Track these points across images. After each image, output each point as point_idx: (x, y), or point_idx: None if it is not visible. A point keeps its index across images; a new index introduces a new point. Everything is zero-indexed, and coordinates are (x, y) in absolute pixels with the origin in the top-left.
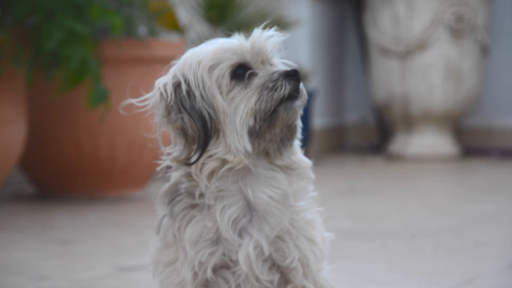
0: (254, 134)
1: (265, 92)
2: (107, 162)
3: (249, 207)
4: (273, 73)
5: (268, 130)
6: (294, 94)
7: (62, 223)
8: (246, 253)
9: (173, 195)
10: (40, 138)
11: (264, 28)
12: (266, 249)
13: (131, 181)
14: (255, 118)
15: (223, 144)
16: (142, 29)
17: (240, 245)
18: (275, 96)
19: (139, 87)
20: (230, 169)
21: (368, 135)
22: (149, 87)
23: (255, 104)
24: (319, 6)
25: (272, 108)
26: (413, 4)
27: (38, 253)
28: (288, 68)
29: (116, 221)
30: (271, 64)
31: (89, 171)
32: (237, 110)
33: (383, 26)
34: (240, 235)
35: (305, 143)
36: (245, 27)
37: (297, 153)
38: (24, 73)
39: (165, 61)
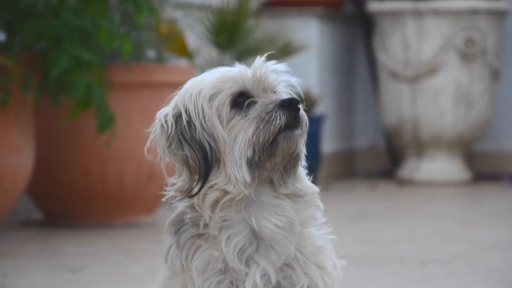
0: (254, 164)
1: (262, 124)
2: (115, 188)
3: (255, 236)
4: (269, 104)
5: (268, 160)
6: (292, 123)
7: (70, 250)
8: (253, 282)
9: (179, 225)
10: (48, 164)
11: (267, 55)
12: (274, 278)
13: (140, 207)
14: (254, 149)
15: (223, 174)
16: (150, 54)
17: (247, 274)
18: (271, 128)
19: (147, 112)
20: (232, 199)
21: (378, 160)
22: (157, 112)
23: (253, 136)
24: (328, 31)
25: (271, 139)
26: (423, 28)
27: (46, 280)
28: (284, 97)
29: (124, 248)
30: (274, 92)
31: (97, 197)
32: (236, 140)
33: (392, 50)
34: (247, 264)
35: (314, 168)
36: (254, 52)
37: (303, 180)
38: (32, 99)
39: (174, 86)
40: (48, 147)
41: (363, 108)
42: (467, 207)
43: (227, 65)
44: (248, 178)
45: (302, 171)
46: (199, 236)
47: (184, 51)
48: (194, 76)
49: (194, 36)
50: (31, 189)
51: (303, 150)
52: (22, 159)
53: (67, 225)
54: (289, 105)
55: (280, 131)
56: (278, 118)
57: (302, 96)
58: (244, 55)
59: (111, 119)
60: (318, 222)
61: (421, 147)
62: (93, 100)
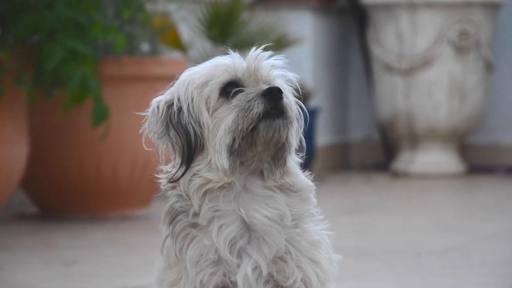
0: (234, 152)
1: (241, 112)
2: (110, 181)
3: (247, 227)
4: (250, 93)
5: (249, 148)
6: (272, 112)
7: (65, 243)
8: (244, 275)
9: (173, 214)
10: (43, 158)
11: (264, 48)
12: (265, 270)
13: (134, 200)
14: (233, 137)
15: (206, 161)
16: (144, 47)
17: (239, 266)
18: (250, 115)
19: (141, 105)
20: (221, 187)
21: (372, 153)
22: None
23: (232, 123)
24: (322, 23)
25: (251, 127)
26: (416, 21)
27: (41, 273)
28: (266, 87)
29: (119, 241)
30: (267, 84)
31: (92, 190)
32: (219, 127)
33: (386, 43)
34: (239, 255)
35: (309, 161)
36: (248, 45)
37: (297, 174)
38: (26, 92)
39: (167, 79)
40: (42, 141)
41: (357, 101)
42: (461, 199)
43: (223, 55)
44: (226, 164)
45: (294, 165)
46: (193, 226)
47: (177, 44)
48: (188, 68)
49: (188, 29)
50: (26, 183)
51: (292, 142)
52: (16, 153)
53: (62, 218)
54: (268, 94)
55: (260, 119)
56: (256, 106)
57: (299, 90)
58: (238, 48)
59: (106, 112)
60: (315, 217)
61: (415, 140)
62: (89, 92)
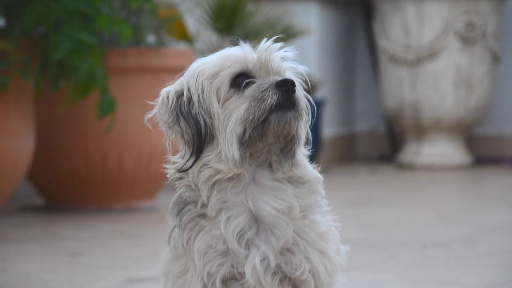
0: (245, 143)
1: (254, 102)
2: (115, 173)
3: (255, 219)
4: (264, 83)
5: (260, 139)
6: (284, 104)
7: (71, 234)
8: (252, 266)
9: (180, 205)
10: (48, 150)
11: (274, 39)
12: (273, 261)
13: (140, 192)
14: (244, 127)
15: (216, 151)
16: (150, 38)
17: (247, 257)
18: (262, 106)
19: (147, 97)
20: (230, 179)
21: (378, 144)
22: (157, 97)
23: (244, 113)
24: (328, 15)
25: (262, 118)
26: (423, 12)
27: (46, 265)
28: (280, 78)
29: (124, 233)
30: (278, 75)
31: (97, 182)
32: (230, 118)
33: (393, 34)
34: (247, 247)
35: (315, 153)
36: (254, 36)
37: (305, 166)
38: (31, 84)
39: (174, 70)
40: (48, 132)
41: (363, 93)
42: (467, 191)
43: (233, 46)
44: (237, 155)
45: (303, 157)
46: (202, 216)
47: (184, 36)
48: (194, 60)
49: (194, 20)
50: (32, 174)
51: (301, 134)
52: (22, 145)
53: (68, 210)
54: (283, 85)
55: (272, 110)
56: (269, 97)
57: (309, 83)
58: (244, 39)
59: (112, 104)
60: (323, 209)
61: (421, 131)
62: (96, 83)
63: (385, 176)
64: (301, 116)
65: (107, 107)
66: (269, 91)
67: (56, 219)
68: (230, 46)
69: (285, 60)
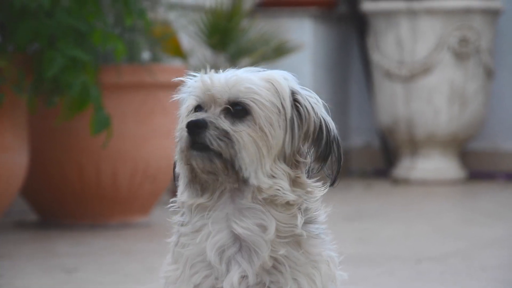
0: (187, 179)
1: (177, 144)
2: (110, 188)
3: (237, 237)
4: (182, 123)
5: (195, 177)
6: (195, 146)
7: (66, 250)
8: (231, 283)
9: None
10: (43, 165)
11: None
12: (252, 280)
13: (135, 207)
14: (178, 167)
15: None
16: (145, 55)
17: (228, 273)
18: (178, 149)
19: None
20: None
21: (373, 159)
22: (151, 113)
23: (175, 155)
24: (322, 30)
25: (184, 158)
26: (416, 28)
27: (41, 281)
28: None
29: (120, 248)
30: (237, 105)
31: (92, 198)
32: None
33: (386, 50)
34: (230, 263)
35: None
36: (248, 53)
37: (284, 188)
38: (25, 100)
39: (167, 87)
40: (42, 148)
41: (357, 108)
42: (462, 206)
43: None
44: (186, 192)
45: (281, 177)
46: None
47: (178, 52)
48: (188, 76)
49: (188, 37)
50: (26, 190)
51: (252, 162)
52: (16, 160)
53: (62, 226)
54: (188, 127)
55: (189, 150)
56: (181, 140)
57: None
58: (238, 55)
59: (107, 120)
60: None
61: (415, 146)
62: (90, 100)
63: (380, 191)
64: (229, 151)
65: (102, 123)
66: (182, 133)
67: (51, 234)
68: (223, 63)
69: (235, 87)
